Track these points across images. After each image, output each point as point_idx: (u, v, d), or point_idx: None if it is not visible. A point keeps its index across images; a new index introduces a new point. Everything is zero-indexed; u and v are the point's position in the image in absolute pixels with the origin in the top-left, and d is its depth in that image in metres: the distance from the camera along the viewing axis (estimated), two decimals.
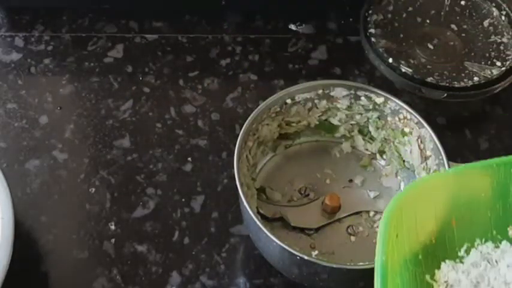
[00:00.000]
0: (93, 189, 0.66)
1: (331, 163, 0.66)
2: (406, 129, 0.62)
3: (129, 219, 0.64)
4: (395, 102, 0.62)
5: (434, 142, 0.59)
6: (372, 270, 0.48)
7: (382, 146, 0.65)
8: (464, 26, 0.75)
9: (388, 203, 0.47)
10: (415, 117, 0.61)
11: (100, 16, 0.78)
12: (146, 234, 0.63)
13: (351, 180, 0.65)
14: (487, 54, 0.73)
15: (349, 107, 0.64)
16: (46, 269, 0.61)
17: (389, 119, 0.63)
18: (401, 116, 0.62)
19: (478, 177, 0.51)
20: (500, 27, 0.75)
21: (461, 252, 0.49)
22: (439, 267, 0.48)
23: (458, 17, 0.76)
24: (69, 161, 0.67)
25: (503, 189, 0.50)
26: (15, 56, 0.74)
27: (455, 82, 0.70)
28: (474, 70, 0.71)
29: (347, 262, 0.57)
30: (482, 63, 0.72)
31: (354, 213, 0.63)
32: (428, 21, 0.75)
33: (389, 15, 0.75)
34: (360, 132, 0.66)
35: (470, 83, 0.70)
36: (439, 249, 0.49)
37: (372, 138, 0.65)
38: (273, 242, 0.54)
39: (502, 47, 0.73)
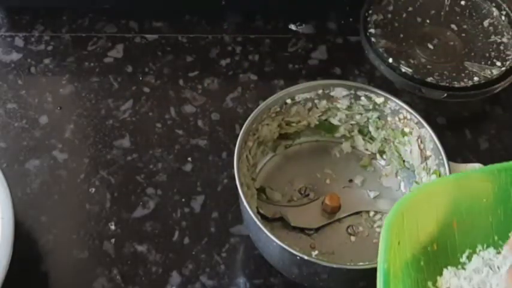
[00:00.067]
0: (93, 189, 0.66)
1: (331, 163, 0.66)
2: (406, 129, 0.62)
3: (129, 219, 0.64)
4: (395, 102, 0.62)
5: (434, 142, 0.59)
6: (371, 270, 0.48)
7: (382, 146, 0.65)
8: (464, 26, 0.75)
9: (390, 210, 0.47)
10: (415, 117, 0.61)
11: (100, 16, 0.78)
12: (146, 234, 0.63)
13: (351, 180, 0.65)
14: (487, 54, 0.73)
15: (349, 107, 0.64)
16: (46, 269, 0.61)
17: (389, 119, 0.63)
18: (401, 116, 0.62)
19: (479, 182, 0.50)
20: (500, 27, 0.75)
21: (463, 258, 0.49)
22: (441, 274, 0.48)
23: (458, 17, 0.76)
24: (69, 161, 0.67)
25: (505, 195, 0.50)
26: (15, 56, 0.74)
27: (455, 82, 0.70)
28: (474, 70, 0.71)
29: (347, 262, 0.57)
30: (482, 63, 0.72)
31: (354, 213, 0.63)
32: (428, 21, 0.75)
33: (389, 15, 0.75)
34: (360, 132, 0.66)
35: (470, 83, 0.70)
36: (441, 255, 0.48)
37: (372, 138, 0.65)
38: (273, 242, 0.54)
39: (502, 47, 0.73)
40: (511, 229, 0.50)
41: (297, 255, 0.53)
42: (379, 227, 0.62)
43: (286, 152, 0.66)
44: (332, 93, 0.63)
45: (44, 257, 0.62)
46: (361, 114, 0.64)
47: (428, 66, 0.72)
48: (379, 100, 0.62)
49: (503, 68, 0.71)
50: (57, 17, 0.78)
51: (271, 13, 0.79)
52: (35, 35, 0.76)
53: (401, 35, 0.74)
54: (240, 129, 0.60)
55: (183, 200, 0.65)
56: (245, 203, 0.55)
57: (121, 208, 0.65)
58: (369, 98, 0.63)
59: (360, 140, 0.66)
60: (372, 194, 0.64)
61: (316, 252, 0.59)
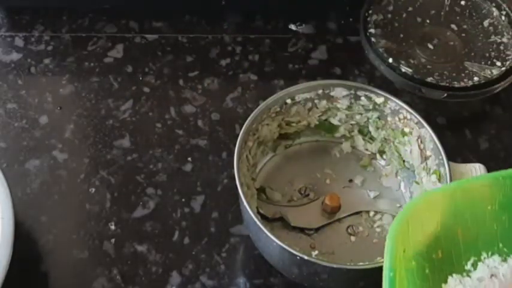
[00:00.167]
0: (93, 189, 0.66)
1: (331, 163, 0.66)
2: (406, 129, 0.62)
3: (129, 219, 0.64)
4: (395, 102, 0.62)
5: (434, 142, 0.59)
6: (371, 270, 0.48)
7: (382, 146, 0.65)
8: (464, 26, 0.75)
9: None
10: (415, 117, 0.61)
11: (100, 16, 0.78)
12: (146, 234, 0.63)
13: (351, 180, 0.65)
14: (487, 54, 0.73)
15: (349, 107, 0.64)
16: (46, 269, 0.61)
17: (389, 119, 0.63)
18: (401, 116, 0.62)
19: (484, 189, 0.50)
20: (500, 27, 0.75)
21: (468, 266, 0.49)
22: (446, 281, 0.48)
23: (458, 17, 0.76)
24: (69, 161, 0.67)
25: (510, 202, 0.49)
26: (15, 56, 0.74)
27: (455, 82, 0.70)
28: (474, 70, 0.71)
29: (347, 262, 0.57)
30: (482, 63, 0.72)
31: (354, 213, 0.63)
32: (428, 21, 0.75)
33: (389, 15, 0.75)
34: (360, 132, 0.66)
35: (470, 83, 0.70)
36: (446, 263, 0.48)
37: (372, 138, 0.65)
38: (273, 242, 0.54)
39: (502, 47, 0.73)
40: None
41: (297, 255, 0.53)
42: (379, 227, 0.62)
43: (286, 152, 0.66)
44: (332, 93, 0.63)
45: (44, 257, 0.62)
46: (361, 114, 0.64)
47: (428, 66, 0.72)
48: (379, 100, 0.62)
49: (503, 68, 0.71)
50: (57, 17, 0.78)
51: (271, 13, 0.79)
52: (35, 35, 0.76)
53: (401, 35, 0.74)
54: (240, 129, 0.60)
55: (183, 200, 0.65)
56: (245, 203, 0.55)
57: (121, 208, 0.65)
58: (369, 98, 0.63)
59: (360, 140, 0.66)
60: (372, 194, 0.64)
61: (316, 252, 0.59)
